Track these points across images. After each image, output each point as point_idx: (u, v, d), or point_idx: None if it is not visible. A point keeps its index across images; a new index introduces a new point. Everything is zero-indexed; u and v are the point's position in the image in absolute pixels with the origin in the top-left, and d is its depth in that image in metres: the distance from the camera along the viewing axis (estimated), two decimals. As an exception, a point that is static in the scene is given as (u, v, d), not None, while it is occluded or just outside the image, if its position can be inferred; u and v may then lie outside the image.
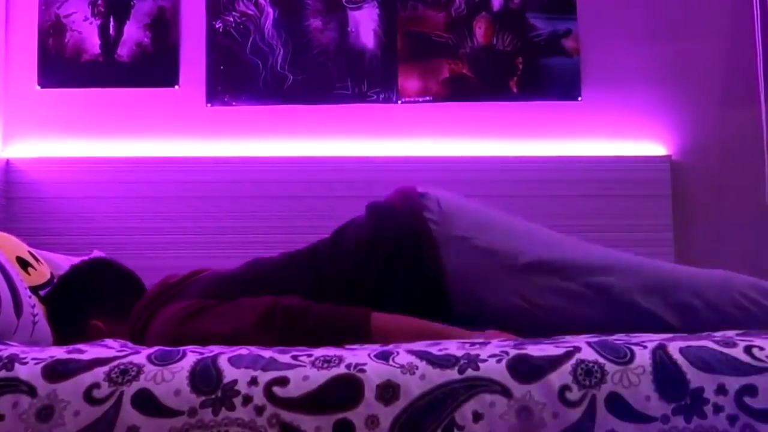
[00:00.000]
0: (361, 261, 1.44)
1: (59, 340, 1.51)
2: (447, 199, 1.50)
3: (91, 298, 1.60)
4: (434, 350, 1.07)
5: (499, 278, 1.40)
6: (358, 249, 1.45)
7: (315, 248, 1.51)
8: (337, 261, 1.45)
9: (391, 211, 1.51)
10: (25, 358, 1.06)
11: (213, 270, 1.59)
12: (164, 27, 2.71)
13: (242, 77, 2.69)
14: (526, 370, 1.01)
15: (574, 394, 0.99)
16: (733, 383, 1.00)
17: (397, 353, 1.06)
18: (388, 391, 0.99)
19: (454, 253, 1.42)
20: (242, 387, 1.00)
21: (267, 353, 1.08)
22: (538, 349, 1.05)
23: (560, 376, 1.00)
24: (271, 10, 2.71)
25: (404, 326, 1.32)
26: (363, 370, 1.01)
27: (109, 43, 2.70)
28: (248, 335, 1.26)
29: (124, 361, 1.05)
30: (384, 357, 1.05)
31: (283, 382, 1.01)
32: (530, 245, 1.45)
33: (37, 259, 1.78)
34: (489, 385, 0.99)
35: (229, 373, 1.02)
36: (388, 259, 1.43)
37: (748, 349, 1.05)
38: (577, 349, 1.04)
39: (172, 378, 1.02)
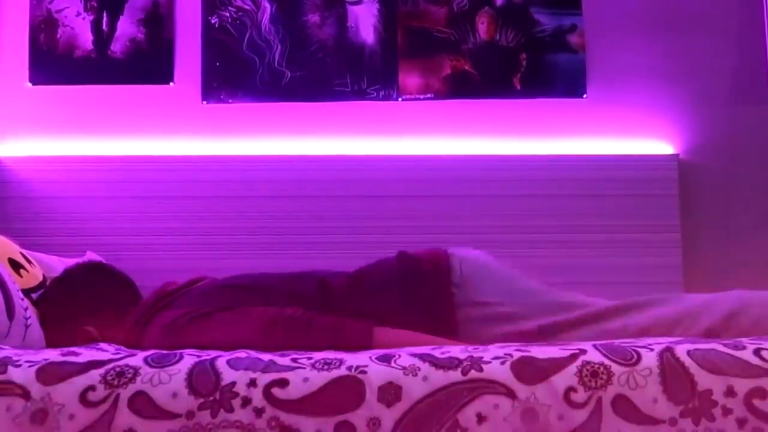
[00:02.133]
0: (378, 297, 1.47)
1: (51, 344, 1.51)
2: (467, 260, 1.57)
3: (84, 302, 1.60)
4: (437, 353, 1.08)
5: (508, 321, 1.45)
6: (379, 292, 1.50)
7: (328, 282, 1.53)
8: (349, 300, 1.48)
9: (419, 264, 1.57)
10: (18, 360, 1.07)
11: (212, 278, 1.60)
12: (159, 22, 2.72)
13: (239, 74, 2.70)
14: (530, 371, 1.02)
15: (579, 396, 0.99)
16: (743, 385, 1.00)
17: (399, 356, 1.07)
18: (389, 393, 1.00)
19: (471, 317, 1.47)
20: (241, 389, 1.01)
21: (266, 356, 1.09)
22: (542, 351, 1.06)
23: (565, 378, 1.01)
24: (268, 5, 2.72)
25: (408, 340, 1.34)
26: (364, 372, 1.02)
27: (102, 39, 2.70)
28: (248, 345, 1.27)
29: (120, 363, 1.06)
30: (385, 359, 1.06)
31: (283, 383, 1.01)
32: (545, 308, 1.48)
33: (29, 261, 1.78)
34: (493, 386, 1.00)
35: (228, 375, 1.03)
36: (405, 307, 1.46)
37: (757, 352, 1.05)
38: (583, 352, 1.05)
39: (169, 380, 1.02)
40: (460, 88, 2.72)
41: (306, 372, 1.03)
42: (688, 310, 1.40)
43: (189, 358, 1.08)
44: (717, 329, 1.34)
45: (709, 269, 2.60)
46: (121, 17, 2.71)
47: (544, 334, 1.42)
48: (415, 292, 1.50)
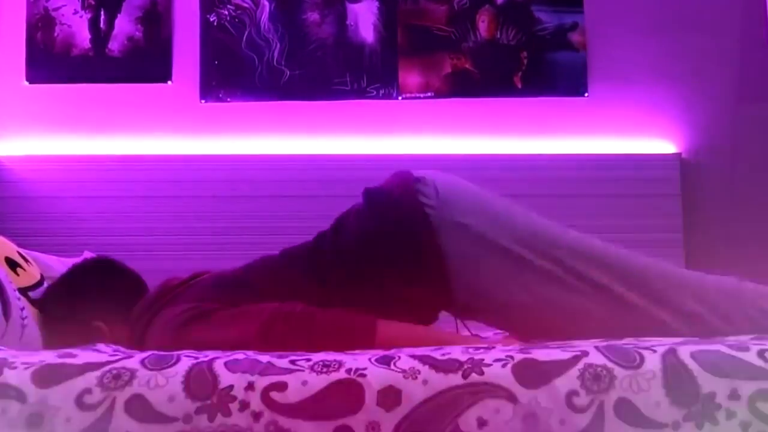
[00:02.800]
0: (363, 252, 1.44)
1: (57, 342, 1.51)
2: (444, 182, 1.50)
3: (94, 298, 1.60)
4: (437, 355, 1.07)
5: (501, 268, 1.40)
6: (359, 240, 1.46)
7: (317, 244, 1.52)
8: (340, 256, 1.46)
9: (387, 197, 1.51)
10: (14, 362, 1.06)
11: (214, 272, 1.59)
12: (157, 20, 2.71)
13: (237, 72, 2.69)
14: (531, 374, 1.01)
15: (581, 400, 0.99)
16: (747, 388, 1.00)
17: (399, 358, 1.06)
18: (389, 397, 0.99)
19: (453, 238, 1.42)
20: (239, 392, 1.00)
21: (264, 358, 1.09)
22: (544, 354, 1.05)
23: (567, 381, 1.00)
24: (267, 3, 2.72)
25: (411, 335, 1.33)
26: (363, 375, 1.01)
27: (100, 37, 2.70)
28: (251, 343, 1.27)
29: (116, 365, 1.05)
30: (385, 362, 1.05)
31: (282, 387, 1.01)
32: (531, 229, 1.46)
33: (26, 260, 1.78)
34: (494, 390, 0.99)
35: (225, 378, 1.02)
36: (388, 249, 1.43)
37: (761, 354, 1.05)
38: (585, 354, 1.04)
39: (166, 383, 1.02)
40: (460, 86, 2.71)
41: (305, 375, 1.02)
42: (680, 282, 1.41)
43: (186, 360, 1.07)
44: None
45: (712, 269, 2.58)
46: (118, 15, 2.70)
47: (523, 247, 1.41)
48: (390, 221, 1.46)
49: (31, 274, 1.73)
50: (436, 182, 1.49)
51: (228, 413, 0.99)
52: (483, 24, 2.73)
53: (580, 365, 1.02)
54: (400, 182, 1.53)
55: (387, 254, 1.43)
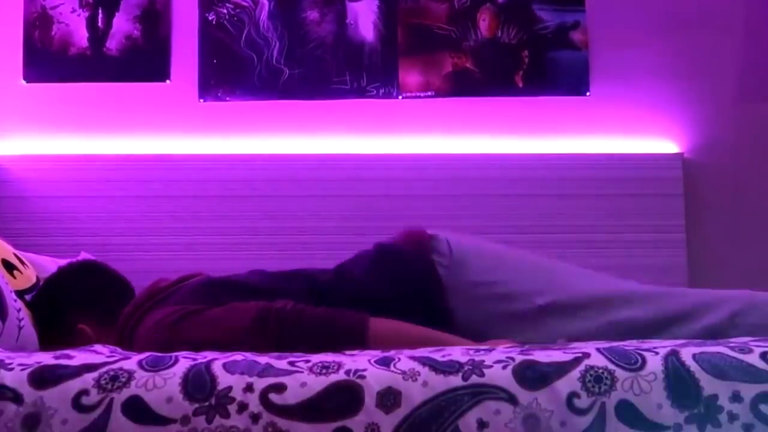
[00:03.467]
0: (364, 294, 1.45)
1: (46, 346, 1.51)
2: (458, 242, 1.52)
3: (78, 301, 1.60)
4: (437, 356, 1.07)
5: (512, 325, 1.41)
6: (360, 288, 1.47)
7: (314, 278, 1.52)
8: (338, 297, 1.46)
9: (400, 253, 1.53)
10: (10, 363, 1.06)
11: (204, 274, 1.59)
12: (155, 19, 2.71)
13: (236, 71, 2.69)
14: (532, 376, 1.01)
15: (582, 402, 0.99)
16: (749, 391, 1.00)
17: (399, 359, 1.06)
18: (389, 399, 0.99)
19: (464, 299, 1.44)
20: (237, 394, 1.00)
21: (263, 359, 1.09)
22: (545, 355, 1.05)
23: (568, 383, 1.00)
24: (266, 2, 2.72)
25: (404, 332, 1.33)
26: (363, 377, 1.01)
27: (98, 36, 2.70)
28: (240, 340, 1.27)
29: (114, 366, 1.05)
30: (385, 363, 1.05)
31: (280, 388, 1.01)
32: (546, 286, 1.46)
33: (22, 262, 1.78)
34: (494, 391, 0.99)
35: (224, 379, 1.02)
36: (394, 302, 1.44)
37: (764, 355, 1.05)
38: (586, 355, 1.05)
39: (164, 384, 1.02)
40: (461, 85, 2.71)
41: (303, 376, 1.03)
42: (694, 306, 1.40)
43: (184, 362, 1.07)
44: (719, 328, 1.34)
45: (715, 270, 2.59)
46: (116, 14, 2.70)
47: (545, 315, 1.40)
48: (401, 280, 1.47)
49: (27, 277, 1.73)
50: (450, 241, 1.51)
51: (226, 415, 0.99)
52: (484, 23, 2.73)
53: (582, 367, 1.02)
54: (414, 239, 1.55)
55: (392, 304, 1.43)
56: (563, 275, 1.51)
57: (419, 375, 1.02)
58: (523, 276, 1.48)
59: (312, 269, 1.56)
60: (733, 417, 0.98)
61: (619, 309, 1.40)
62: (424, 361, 1.05)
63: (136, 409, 1.00)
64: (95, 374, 1.04)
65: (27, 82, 2.68)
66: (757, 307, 1.38)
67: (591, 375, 1.01)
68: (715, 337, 1.29)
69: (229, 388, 1.01)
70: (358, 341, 1.28)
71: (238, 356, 1.10)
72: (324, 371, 1.03)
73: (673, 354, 1.05)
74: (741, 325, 1.34)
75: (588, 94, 2.71)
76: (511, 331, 1.40)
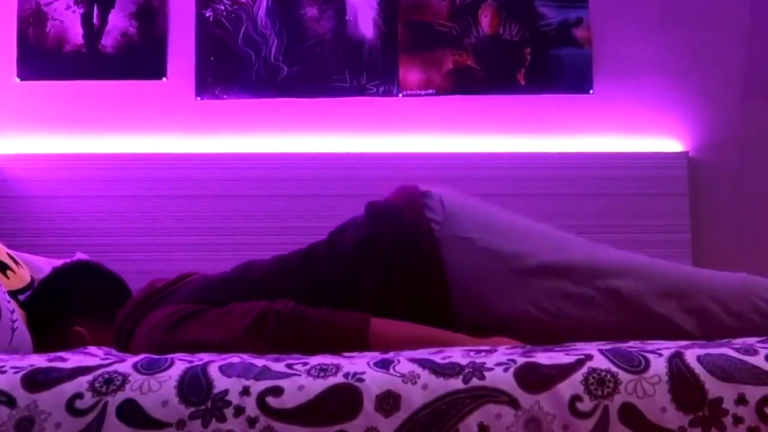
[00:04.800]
0: (359, 263, 1.44)
1: (40, 348, 1.51)
2: (451, 198, 1.51)
3: (74, 303, 1.60)
4: (437, 358, 1.07)
5: (506, 282, 1.40)
6: (356, 250, 1.45)
7: (310, 251, 1.51)
8: (334, 264, 1.45)
9: (391, 210, 1.51)
10: (3, 366, 1.06)
11: (202, 274, 1.59)
12: (151, 16, 2.71)
13: (234, 69, 2.69)
14: (534, 379, 1.01)
15: (585, 405, 0.99)
16: (754, 393, 1.00)
17: (398, 362, 1.06)
18: (388, 402, 0.99)
19: (458, 255, 1.42)
20: (234, 397, 1.00)
21: (260, 361, 1.08)
22: (547, 357, 1.05)
23: (571, 386, 1.00)
24: (264, -2, 2.72)
25: (406, 333, 1.32)
26: (362, 380, 1.01)
27: (93, 33, 2.70)
28: (239, 343, 1.27)
29: (108, 369, 1.05)
30: (384, 365, 1.05)
31: (278, 392, 1.01)
32: (539, 246, 1.44)
33: (16, 262, 1.78)
34: (495, 395, 0.99)
35: (220, 382, 1.02)
36: (387, 261, 1.43)
37: (770, 357, 1.05)
38: (589, 357, 1.04)
39: (159, 388, 1.02)
40: (462, 83, 2.71)
41: (301, 379, 1.02)
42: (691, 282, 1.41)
43: (180, 364, 1.07)
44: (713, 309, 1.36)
45: (721, 269, 2.58)
46: (112, 11, 2.70)
47: (543, 276, 1.39)
48: (393, 240, 1.45)
49: (21, 277, 1.73)
50: (443, 197, 1.49)
51: (223, 419, 0.99)
52: (485, 19, 2.73)
53: (584, 369, 1.02)
54: (405, 196, 1.53)
55: (386, 267, 1.43)
56: (557, 239, 1.50)
57: (419, 378, 1.02)
58: (516, 236, 1.47)
59: (304, 253, 1.53)
60: (738, 420, 0.98)
61: (609, 278, 1.39)
62: (424, 364, 1.04)
63: (131, 412, 1.00)
64: (89, 377, 1.03)
65: (21, 80, 2.68)
66: (752, 292, 1.40)
67: (594, 377, 1.01)
68: (702, 320, 1.33)
69: (226, 392, 1.01)
70: (360, 343, 1.28)
71: (234, 359, 1.10)
72: (322, 374, 1.03)
73: (677, 356, 1.05)
74: (727, 312, 1.36)
75: (591, 91, 2.71)
76: (506, 291, 1.40)
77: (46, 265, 1.93)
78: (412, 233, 1.44)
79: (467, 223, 1.46)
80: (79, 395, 1.01)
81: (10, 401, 1.01)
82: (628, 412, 0.98)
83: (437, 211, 1.47)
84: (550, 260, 1.42)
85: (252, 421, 0.98)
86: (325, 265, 1.46)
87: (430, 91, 2.71)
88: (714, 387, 1.00)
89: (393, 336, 1.30)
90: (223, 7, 2.71)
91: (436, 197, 1.50)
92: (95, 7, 2.71)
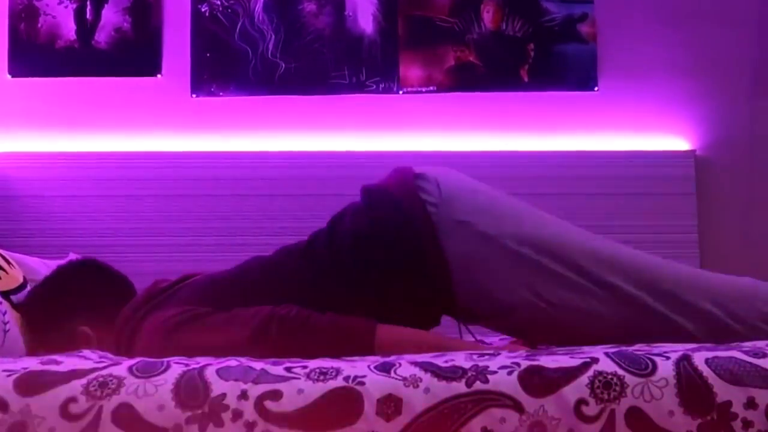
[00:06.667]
0: (360, 255, 1.44)
1: (40, 348, 1.51)
2: (447, 179, 1.50)
3: (81, 302, 1.59)
4: (440, 361, 1.07)
5: (506, 266, 1.40)
6: (356, 243, 1.46)
7: (311, 244, 1.51)
8: (336, 257, 1.46)
9: (386, 196, 1.51)
10: (-5, 369, 1.06)
11: (205, 273, 1.59)
12: (146, 11, 2.71)
13: (230, 65, 2.69)
14: (539, 382, 1.01)
15: (591, 409, 0.99)
16: (764, 397, 1.00)
17: (399, 365, 1.06)
18: (389, 406, 0.99)
19: (456, 238, 1.42)
20: (231, 401, 1.00)
21: (258, 365, 1.09)
22: (551, 360, 1.05)
23: (576, 389, 1.00)
24: (261, -7, 2.72)
25: (412, 339, 1.33)
26: (362, 383, 1.01)
27: (86, 29, 2.70)
28: (244, 347, 1.27)
29: (103, 373, 1.05)
30: (385, 369, 1.05)
31: (276, 395, 1.01)
32: (538, 228, 1.45)
33: (8, 262, 1.78)
34: (499, 398, 0.99)
35: (217, 386, 1.02)
36: (387, 251, 1.43)
37: (779, 360, 1.05)
38: (595, 360, 1.04)
39: (155, 391, 1.02)
40: (464, 80, 2.71)
41: (300, 383, 1.02)
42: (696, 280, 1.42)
43: (176, 368, 1.07)
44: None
45: (728, 270, 2.58)
46: (105, 6, 2.70)
47: (541, 255, 1.40)
48: (390, 228, 1.45)
49: (13, 277, 1.73)
50: (439, 179, 1.49)
51: (220, 423, 0.99)
52: (488, 15, 2.73)
53: (590, 372, 1.02)
54: (400, 179, 1.53)
55: (386, 255, 1.43)
56: (556, 224, 1.51)
57: (421, 381, 1.02)
58: (515, 217, 1.47)
59: (305, 245, 1.53)
60: (747, 424, 0.98)
61: (607, 270, 1.40)
62: (426, 367, 1.05)
63: (126, 417, 1.00)
64: (84, 381, 1.04)
65: (12, 77, 2.68)
66: (756, 297, 1.40)
67: (600, 381, 1.01)
68: (704, 322, 1.34)
69: (223, 396, 1.01)
70: (365, 349, 1.28)
71: (232, 362, 1.10)
72: (322, 377, 1.03)
73: (685, 359, 1.05)
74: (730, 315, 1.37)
75: (596, 89, 2.71)
76: (506, 279, 1.39)
77: (39, 265, 1.92)
78: (409, 220, 1.44)
79: (464, 204, 1.46)
80: (73, 399, 1.01)
81: (2, 405, 1.01)
82: (635, 416, 0.98)
83: (433, 194, 1.47)
84: (544, 239, 1.42)
85: (250, 426, 0.99)
86: (326, 261, 1.47)
87: (431, 87, 2.71)
88: (723, 390, 1.00)
89: (399, 342, 1.31)
90: (219, 2, 2.71)
91: (431, 179, 1.50)
92: (88, 2, 2.70)
